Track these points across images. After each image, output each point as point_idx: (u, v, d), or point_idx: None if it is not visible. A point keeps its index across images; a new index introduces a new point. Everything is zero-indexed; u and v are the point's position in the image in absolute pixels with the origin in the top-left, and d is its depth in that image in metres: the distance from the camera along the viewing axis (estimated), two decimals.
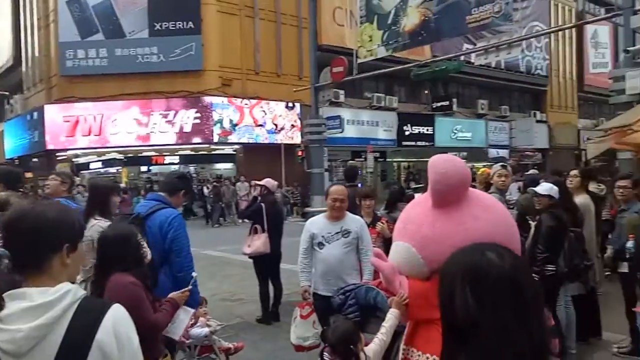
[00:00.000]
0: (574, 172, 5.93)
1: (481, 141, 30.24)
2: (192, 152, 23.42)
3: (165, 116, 21.37)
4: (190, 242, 3.96)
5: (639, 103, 10.78)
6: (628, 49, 12.26)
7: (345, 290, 3.42)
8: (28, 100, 26.15)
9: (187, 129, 21.43)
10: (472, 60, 24.29)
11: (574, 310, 4.92)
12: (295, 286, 8.04)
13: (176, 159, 23.38)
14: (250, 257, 6.65)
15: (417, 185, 22.53)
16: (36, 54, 25.02)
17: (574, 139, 35.20)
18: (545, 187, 4.83)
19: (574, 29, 33.82)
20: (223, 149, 23.41)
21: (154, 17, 21.30)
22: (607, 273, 6.10)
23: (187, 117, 21.38)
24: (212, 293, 7.28)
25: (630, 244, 3.66)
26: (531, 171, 16.42)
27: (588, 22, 31.52)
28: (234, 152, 23.38)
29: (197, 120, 21.40)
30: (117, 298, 2.63)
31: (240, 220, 19.53)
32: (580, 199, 5.50)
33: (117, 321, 1.48)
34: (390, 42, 19.22)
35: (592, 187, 6.75)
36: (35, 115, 23.13)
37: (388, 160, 28.07)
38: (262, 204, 6.53)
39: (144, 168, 24.08)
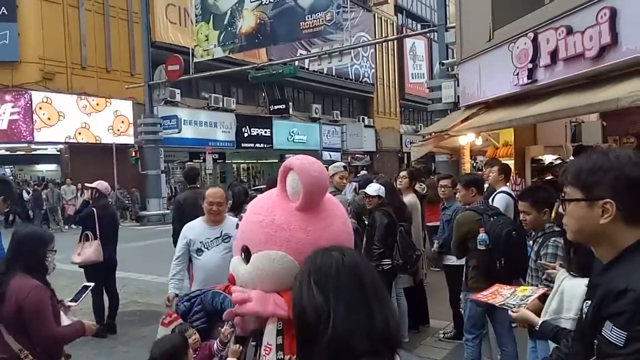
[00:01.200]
0: (403, 173, 6.42)
1: (316, 144, 31.44)
2: (8, 152, 20.86)
3: None
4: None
5: (453, 110, 12.10)
6: (443, 61, 13.69)
7: (191, 297, 3.32)
8: None
9: (3, 126, 19.00)
10: (307, 66, 25.37)
11: (405, 302, 5.36)
12: (131, 295, 7.64)
13: None
14: (80, 267, 6.12)
15: (259, 187, 22.61)
16: None
17: (397, 143, 38.42)
18: (374, 188, 5.18)
19: (395, 42, 36.79)
20: (46, 149, 21.24)
21: None
22: (436, 269, 6.69)
23: (3, 113, 18.97)
24: None
25: (483, 236, 3.98)
26: (362, 172, 17.54)
27: (408, 36, 34.72)
28: (59, 152, 21.33)
29: (15, 117, 19.08)
30: (21, 301, 2.54)
31: (66, 227, 18.01)
32: (409, 197, 5.99)
33: None
34: (227, 43, 19.20)
35: (416, 186, 7.47)
36: None
37: (227, 161, 27.91)
38: (94, 209, 6.06)
39: None
